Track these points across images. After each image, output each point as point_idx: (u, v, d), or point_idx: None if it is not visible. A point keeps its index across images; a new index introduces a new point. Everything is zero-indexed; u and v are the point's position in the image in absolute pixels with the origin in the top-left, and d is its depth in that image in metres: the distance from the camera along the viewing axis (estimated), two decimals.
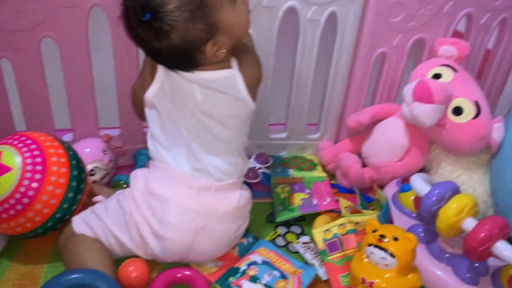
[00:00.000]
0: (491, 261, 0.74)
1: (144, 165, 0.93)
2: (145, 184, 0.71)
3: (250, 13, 0.72)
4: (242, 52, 0.75)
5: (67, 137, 0.97)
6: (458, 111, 0.87)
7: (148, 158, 0.95)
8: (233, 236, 0.75)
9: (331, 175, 0.99)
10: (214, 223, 0.72)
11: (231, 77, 0.71)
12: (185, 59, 0.67)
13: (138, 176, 0.74)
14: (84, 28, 0.82)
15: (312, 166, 1.00)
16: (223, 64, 0.71)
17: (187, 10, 0.62)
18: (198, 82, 0.70)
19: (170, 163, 0.72)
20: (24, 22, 0.78)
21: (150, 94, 0.72)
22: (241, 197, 0.74)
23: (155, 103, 0.72)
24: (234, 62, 0.72)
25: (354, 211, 0.82)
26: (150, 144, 0.75)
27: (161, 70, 0.71)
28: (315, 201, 0.87)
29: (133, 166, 0.97)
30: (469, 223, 0.72)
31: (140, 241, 0.72)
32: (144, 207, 0.70)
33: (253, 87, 0.73)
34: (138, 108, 0.77)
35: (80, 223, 0.73)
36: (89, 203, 0.82)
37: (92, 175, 0.88)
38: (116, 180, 0.91)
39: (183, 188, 0.70)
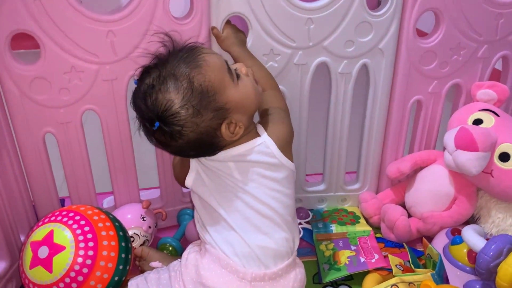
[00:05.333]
0: None
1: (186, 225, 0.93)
2: (196, 274, 0.69)
3: (257, 82, 0.73)
4: (265, 115, 0.75)
5: (108, 201, 0.99)
6: (504, 157, 0.84)
7: (191, 218, 0.95)
8: None
9: (376, 228, 0.96)
10: None
11: (262, 144, 0.70)
12: (206, 147, 0.68)
13: (189, 262, 0.71)
14: (124, 98, 0.84)
15: (355, 219, 0.98)
16: (251, 134, 0.71)
17: (190, 106, 0.63)
18: (231, 159, 0.70)
19: (220, 247, 0.69)
20: (68, 98, 0.81)
21: (188, 183, 0.73)
22: (295, 280, 0.70)
23: (195, 191, 0.73)
24: (260, 128, 0.72)
25: (406, 269, 0.79)
26: (198, 227, 0.75)
27: (192, 160, 0.72)
28: (362, 259, 0.84)
29: (177, 227, 0.97)
30: None
31: None
32: None
33: (286, 146, 0.72)
34: (180, 182, 0.78)
35: None
36: (142, 267, 0.83)
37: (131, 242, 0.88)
38: (162, 243, 0.90)
39: (235, 280, 0.67)
